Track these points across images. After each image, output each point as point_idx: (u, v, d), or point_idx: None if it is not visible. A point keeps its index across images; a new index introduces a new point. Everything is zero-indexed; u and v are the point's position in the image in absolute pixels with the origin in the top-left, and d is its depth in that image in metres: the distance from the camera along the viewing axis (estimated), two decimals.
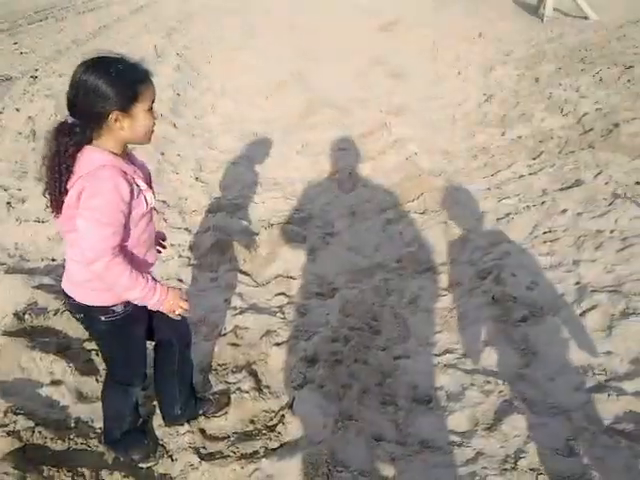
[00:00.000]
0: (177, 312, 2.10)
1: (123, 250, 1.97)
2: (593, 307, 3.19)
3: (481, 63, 8.25)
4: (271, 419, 2.69)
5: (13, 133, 6.11)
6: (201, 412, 2.71)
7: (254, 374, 2.97)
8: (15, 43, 11.45)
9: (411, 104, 6.99)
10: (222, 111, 7.24)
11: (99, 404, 2.68)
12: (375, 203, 4.73)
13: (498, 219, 4.21)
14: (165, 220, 4.57)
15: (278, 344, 3.15)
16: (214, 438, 2.62)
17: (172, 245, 4.26)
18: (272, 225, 4.39)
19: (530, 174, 4.81)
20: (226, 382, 2.93)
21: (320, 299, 3.63)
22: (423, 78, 8.10)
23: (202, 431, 2.64)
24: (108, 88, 1.80)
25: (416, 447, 2.51)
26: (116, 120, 1.85)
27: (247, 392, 2.81)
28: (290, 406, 2.68)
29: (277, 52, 9.78)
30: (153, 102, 1.95)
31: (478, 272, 3.68)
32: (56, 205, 1.90)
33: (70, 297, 2.09)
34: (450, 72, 8.16)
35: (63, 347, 3.07)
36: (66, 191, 1.86)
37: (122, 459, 2.50)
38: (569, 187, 4.46)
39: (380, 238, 4.23)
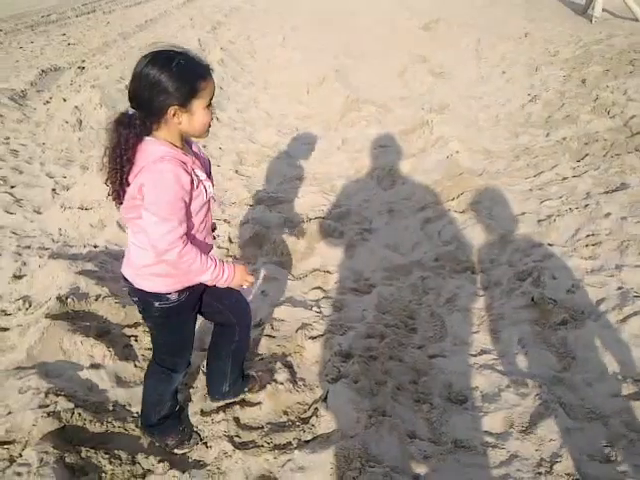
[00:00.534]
0: (245, 286, 2.23)
1: (189, 237, 2.04)
2: (635, 313, 3.11)
3: (526, 63, 8.13)
4: (305, 411, 2.71)
5: (60, 122, 6.27)
6: (246, 390, 2.78)
7: (289, 366, 2.99)
8: (64, 34, 11.74)
9: (453, 103, 6.92)
10: (264, 106, 7.29)
11: (137, 389, 2.74)
12: (414, 201, 4.70)
13: (539, 221, 4.14)
14: None
15: (313, 337, 3.16)
16: (248, 427, 2.64)
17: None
18: (310, 220, 4.40)
19: (574, 176, 4.72)
20: (264, 371, 2.95)
21: (356, 295, 3.63)
22: (466, 77, 8.02)
23: (236, 420, 2.67)
24: (168, 83, 1.84)
25: (449, 446, 2.49)
26: (174, 115, 1.89)
27: (282, 383, 2.83)
28: (324, 399, 2.69)
29: (319, 49, 9.80)
30: (212, 98, 1.98)
31: (517, 273, 3.62)
32: (117, 195, 1.97)
33: (128, 281, 2.17)
34: (494, 71, 8.06)
35: (103, 332, 3.14)
36: (127, 182, 1.93)
37: (157, 444, 2.55)
38: (614, 191, 4.36)
39: (418, 236, 4.21)
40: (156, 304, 2.16)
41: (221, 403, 2.74)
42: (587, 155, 5.07)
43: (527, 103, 6.66)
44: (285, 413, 2.72)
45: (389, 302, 3.49)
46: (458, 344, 3.16)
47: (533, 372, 2.88)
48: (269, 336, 3.23)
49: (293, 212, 4.61)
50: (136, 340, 3.13)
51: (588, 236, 3.87)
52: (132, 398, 2.75)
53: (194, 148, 2.16)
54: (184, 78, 1.86)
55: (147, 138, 1.92)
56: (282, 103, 7.37)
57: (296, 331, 3.23)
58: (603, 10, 10.30)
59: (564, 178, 4.72)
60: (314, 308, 3.45)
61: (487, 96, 7.13)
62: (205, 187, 2.04)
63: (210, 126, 2.04)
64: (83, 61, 9.28)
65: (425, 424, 2.61)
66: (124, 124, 1.89)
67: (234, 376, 2.68)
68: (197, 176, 1.99)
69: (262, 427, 2.64)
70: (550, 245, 3.84)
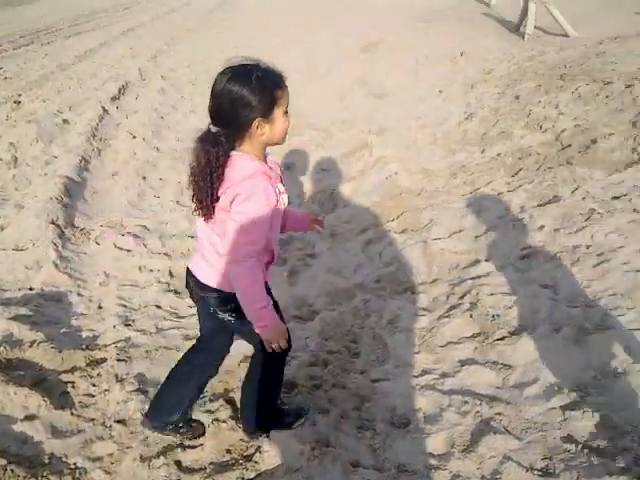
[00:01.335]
0: (275, 347, 2.23)
1: (259, 257, 2.13)
2: (569, 323, 3.20)
3: (462, 82, 8.34)
4: (248, 448, 2.67)
5: None
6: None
7: (232, 402, 2.95)
8: (0, 68, 11.49)
9: (393, 124, 7.05)
10: None
11: (73, 439, 2.66)
12: (355, 223, 4.75)
13: (477, 237, 4.23)
14: (145, 245, 4.57)
15: None
16: (190, 470, 2.58)
17: (151, 271, 4.27)
18: None
19: (509, 191, 4.84)
20: (203, 412, 2.91)
21: (299, 322, 3.63)
22: (405, 97, 8.18)
23: (178, 463, 2.60)
24: (251, 97, 1.91)
25: (393, 472, 2.49)
26: (258, 126, 1.97)
27: (224, 421, 2.79)
28: (267, 434, 2.66)
29: None
30: (288, 105, 2.06)
31: (457, 291, 3.69)
32: (206, 211, 2.04)
33: (208, 287, 2.24)
34: (432, 91, 8.24)
35: (39, 380, 3.04)
36: (217, 197, 1.99)
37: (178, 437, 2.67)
38: (547, 203, 4.49)
39: (360, 258, 4.24)
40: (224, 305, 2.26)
41: (161, 447, 2.68)
42: (521, 170, 5.22)
43: (463, 121, 6.83)
44: (228, 452, 2.67)
45: (332, 327, 3.50)
46: (400, 366, 3.18)
47: (473, 389, 2.92)
48: None
49: None
50: (73, 387, 3.03)
51: (523, 249, 3.97)
52: (68, 449, 2.66)
53: (269, 158, 2.21)
54: (264, 90, 1.93)
55: (234, 153, 1.99)
56: None
57: (239, 365, 3.19)
58: (535, 27, 10.68)
59: (499, 193, 4.84)
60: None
61: (425, 116, 7.28)
62: (283, 201, 2.14)
63: (287, 133, 2.10)
64: (19, 95, 9.09)
65: (368, 451, 2.61)
66: (210, 142, 1.95)
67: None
68: (278, 190, 2.08)
69: (204, 468, 2.58)
70: (487, 261, 3.92)
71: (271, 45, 12.01)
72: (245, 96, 1.90)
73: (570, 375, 2.90)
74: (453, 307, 3.55)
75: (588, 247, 3.85)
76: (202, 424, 2.79)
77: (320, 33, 13.43)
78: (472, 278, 3.74)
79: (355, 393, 2.95)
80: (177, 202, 5.37)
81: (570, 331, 3.16)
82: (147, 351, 3.40)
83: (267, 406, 2.63)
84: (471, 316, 3.40)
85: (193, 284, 2.36)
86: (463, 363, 3.10)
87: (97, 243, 4.65)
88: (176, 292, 4.02)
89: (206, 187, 1.97)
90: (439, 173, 5.51)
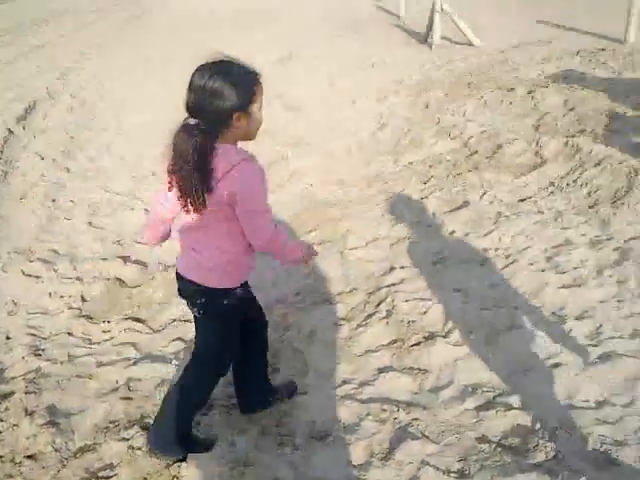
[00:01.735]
0: (310, 262, 2.63)
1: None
2: (480, 325, 3.31)
3: (375, 92, 8.51)
4: (165, 475, 2.59)
5: None
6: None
7: (148, 428, 2.86)
8: None
9: (308, 135, 7.10)
10: (118, 151, 7.07)
11: None
12: None
13: (392, 245, 4.31)
14: (55, 270, 4.39)
15: None
16: None
17: (62, 297, 4.10)
18: (168, 267, 4.30)
19: (421, 198, 4.97)
20: (119, 440, 2.80)
21: None
22: (320, 109, 8.26)
23: None
24: (232, 91, 1.99)
25: None
26: (238, 119, 2.04)
27: (139, 449, 2.69)
28: (184, 459, 2.59)
29: (174, 88, 9.70)
30: (262, 101, 2.15)
31: (373, 299, 3.73)
32: (197, 202, 2.03)
33: (197, 284, 2.28)
34: (346, 102, 8.36)
35: None
36: (210, 188, 2.01)
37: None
38: (457, 209, 4.64)
39: (278, 273, 4.22)
40: (224, 301, 2.33)
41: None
42: (432, 177, 5.37)
43: (377, 131, 6.97)
44: None
45: None
46: (320, 378, 3.18)
47: (391, 396, 2.95)
48: (126, 398, 3.07)
49: (150, 261, 4.47)
50: None
51: (435, 254, 4.08)
52: None
53: None
54: (244, 84, 2.03)
55: (218, 145, 2.03)
56: (138, 147, 7.18)
57: (155, 389, 3.11)
58: (442, 37, 11.08)
59: (412, 201, 4.96)
60: (174, 361, 3.34)
61: (340, 126, 7.38)
62: None
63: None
64: None
65: (288, 467, 2.58)
66: (194, 133, 1.97)
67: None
68: None
69: None
70: (402, 268, 3.99)
71: (184, 60, 11.84)
72: (227, 90, 1.98)
73: (483, 376, 3.00)
74: (370, 315, 3.59)
75: (496, 250, 4.01)
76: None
77: (238, 46, 13.38)
78: (387, 286, 3.81)
79: (275, 409, 2.92)
80: (89, 223, 5.19)
81: (482, 333, 3.27)
82: (58, 381, 3.25)
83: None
84: (387, 323, 3.45)
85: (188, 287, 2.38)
86: (381, 371, 3.14)
87: (4, 271, 4.43)
88: (88, 318, 3.87)
89: (197, 178, 1.99)
90: (354, 183, 5.58)
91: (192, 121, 2.02)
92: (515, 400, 2.79)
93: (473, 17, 11.39)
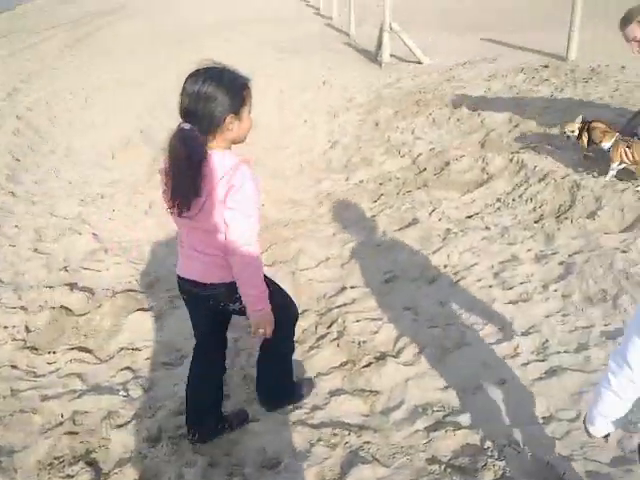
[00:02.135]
0: (261, 332, 2.41)
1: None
2: (431, 343, 3.34)
3: (326, 110, 8.57)
4: None
5: None
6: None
7: (94, 463, 2.77)
8: None
9: (260, 155, 7.07)
10: (65, 175, 6.91)
11: None
12: None
13: (343, 264, 4.32)
14: None
15: (120, 426, 2.97)
16: None
17: (5, 327, 3.96)
18: (116, 293, 4.21)
19: (372, 217, 5.01)
20: (63, 477, 2.71)
21: (168, 369, 3.49)
22: (271, 128, 8.26)
23: None
24: (225, 95, 2.11)
25: None
26: (230, 122, 2.15)
27: None
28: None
29: (123, 109, 9.57)
30: (251, 105, 2.26)
31: (325, 320, 3.73)
32: (188, 205, 2.14)
33: (212, 285, 2.36)
34: (297, 121, 8.39)
35: None
36: (200, 192, 2.11)
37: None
38: (407, 226, 4.69)
39: None
40: (238, 295, 2.34)
41: None
42: (382, 195, 5.42)
43: (328, 149, 7.01)
44: None
45: None
46: None
47: (343, 420, 2.94)
48: (71, 433, 2.97)
49: (98, 287, 4.37)
50: None
51: (386, 273, 4.10)
52: None
53: None
54: (235, 89, 2.15)
55: (214, 149, 2.15)
56: (85, 170, 7.04)
57: (101, 422, 3.02)
58: (391, 55, 11.24)
59: (363, 219, 4.99)
60: (121, 392, 3.25)
61: (292, 145, 7.39)
62: None
63: None
64: None
65: None
66: (188, 137, 2.09)
67: None
68: None
69: None
70: (353, 287, 4.00)
71: (125, 81, 11.70)
72: (220, 94, 2.09)
73: (433, 395, 3.01)
74: (321, 337, 3.58)
75: (445, 267, 4.05)
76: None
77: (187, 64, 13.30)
78: (338, 306, 3.81)
79: (224, 438, 2.87)
80: (35, 250, 5.04)
81: (432, 351, 3.29)
82: (0, 417, 3.13)
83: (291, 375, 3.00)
84: (338, 345, 3.45)
85: (192, 288, 2.45)
86: (332, 394, 3.12)
87: None
88: (33, 349, 3.74)
89: (188, 181, 2.09)
90: (306, 202, 5.59)
91: (186, 125, 2.12)
92: (464, 419, 2.81)
93: (421, 36, 11.58)
